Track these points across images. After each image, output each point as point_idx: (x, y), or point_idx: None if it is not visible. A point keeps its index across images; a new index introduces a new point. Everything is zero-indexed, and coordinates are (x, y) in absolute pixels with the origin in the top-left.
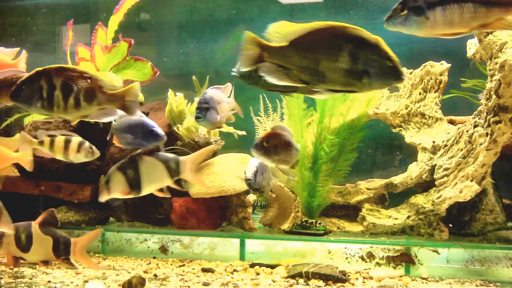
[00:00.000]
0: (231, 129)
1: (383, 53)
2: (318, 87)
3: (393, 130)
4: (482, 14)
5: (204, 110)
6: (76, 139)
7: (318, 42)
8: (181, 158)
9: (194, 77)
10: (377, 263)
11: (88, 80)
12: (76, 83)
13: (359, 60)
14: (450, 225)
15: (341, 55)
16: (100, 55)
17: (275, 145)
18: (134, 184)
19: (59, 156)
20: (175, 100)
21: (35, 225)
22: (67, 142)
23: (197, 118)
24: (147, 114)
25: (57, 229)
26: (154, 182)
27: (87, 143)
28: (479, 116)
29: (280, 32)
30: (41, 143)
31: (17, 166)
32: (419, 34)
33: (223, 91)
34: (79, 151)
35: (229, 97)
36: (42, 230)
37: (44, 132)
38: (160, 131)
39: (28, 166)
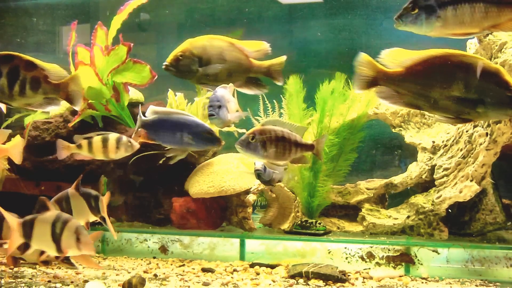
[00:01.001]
0: (231, 127)
1: (503, 83)
2: (431, 113)
3: (393, 130)
4: (493, 14)
5: (217, 107)
6: (113, 136)
7: (434, 70)
8: (101, 196)
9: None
10: (377, 263)
11: (34, 69)
12: (22, 71)
13: (475, 89)
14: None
15: (456, 84)
16: (99, 56)
17: (263, 141)
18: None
19: (99, 156)
20: (175, 100)
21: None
22: (104, 141)
23: (210, 115)
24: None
25: None
26: (80, 217)
27: (124, 138)
28: None
29: (395, 58)
30: (79, 146)
31: (17, 166)
32: (429, 33)
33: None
34: (118, 147)
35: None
36: None
37: (80, 136)
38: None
39: (18, 159)
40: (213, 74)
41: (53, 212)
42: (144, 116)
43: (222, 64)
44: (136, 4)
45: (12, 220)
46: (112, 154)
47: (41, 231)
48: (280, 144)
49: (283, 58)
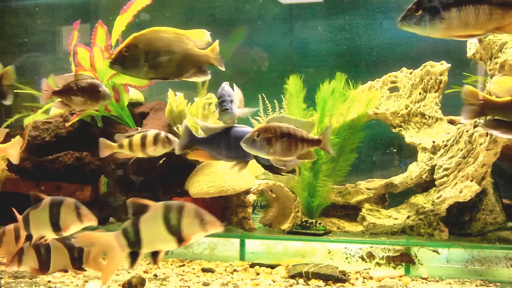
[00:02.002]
0: None
1: None
2: None
3: (393, 130)
4: (498, 16)
5: (230, 102)
6: (151, 132)
7: None
8: (86, 248)
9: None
10: (377, 263)
11: None
12: None
13: None
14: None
15: None
16: (99, 57)
17: (268, 138)
18: (44, 262)
19: (140, 154)
20: (175, 100)
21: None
22: (143, 139)
23: (225, 110)
24: (147, 114)
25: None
26: (60, 265)
27: (162, 134)
28: None
29: (503, 86)
30: (121, 146)
31: (17, 166)
32: (433, 35)
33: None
34: (156, 144)
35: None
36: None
37: (122, 134)
38: None
39: (15, 158)
40: (162, 67)
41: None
42: (190, 133)
43: (170, 56)
44: (141, 5)
45: (18, 216)
46: (151, 151)
47: (39, 217)
48: (285, 141)
49: (216, 42)
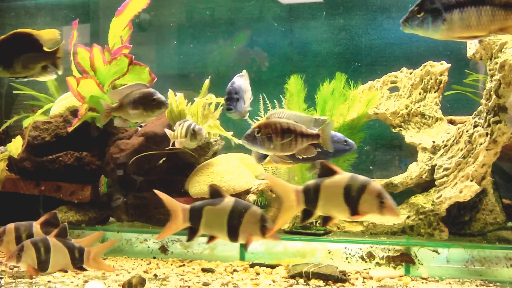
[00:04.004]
0: (229, 135)
1: None
2: None
3: (393, 130)
4: (500, 17)
5: (235, 100)
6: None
7: None
8: (86, 248)
9: (207, 81)
10: (377, 263)
11: None
12: None
13: None
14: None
15: None
16: (99, 58)
17: (268, 134)
18: (43, 261)
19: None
20: (175, 100)
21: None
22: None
23: (228, 109)
24: None
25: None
26: (59, 265)
27: (196, 127)
28: (479, 116)
29: None
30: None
31: (17, 166)
32: (436, 36)
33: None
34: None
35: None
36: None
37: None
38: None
39: None
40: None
41: (228, 199)
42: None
43: (20, 56)
44: (137, 9)
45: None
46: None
47: (214, 217)
48: (286, 136)
49: (62, 44)
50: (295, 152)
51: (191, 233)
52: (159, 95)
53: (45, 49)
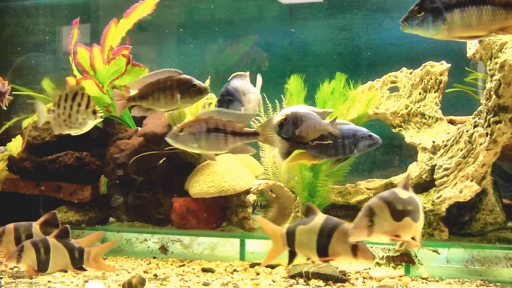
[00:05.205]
0: None
1: None
2: None
3: (393, 130)
4: (501, 17)
5: (226, 102)
6: None
7: None
8: (86, 248)
9: (207, 81)
10: (377, 263)
11: None
12: None
13: None
14: None
15: None
16: (98, 58)
17: (192, 133)
18: (43, 262)
19: None
20: None
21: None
22: None
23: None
24: None
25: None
26: (59, 265)
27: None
28: (479, 116)
29: None
30: None
31: (17, 166)
32: (436, 36)
33: (247, 80)
34: None
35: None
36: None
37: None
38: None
39: None
40: None
41: (320, 216)
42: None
43: None
44: (144, 13)
45: (276, 229)
46: None
47: (305, 237)
48: (212, 135)
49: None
50: (229, 151)
51: (291, 256)
52: (199, 82)
53: None
